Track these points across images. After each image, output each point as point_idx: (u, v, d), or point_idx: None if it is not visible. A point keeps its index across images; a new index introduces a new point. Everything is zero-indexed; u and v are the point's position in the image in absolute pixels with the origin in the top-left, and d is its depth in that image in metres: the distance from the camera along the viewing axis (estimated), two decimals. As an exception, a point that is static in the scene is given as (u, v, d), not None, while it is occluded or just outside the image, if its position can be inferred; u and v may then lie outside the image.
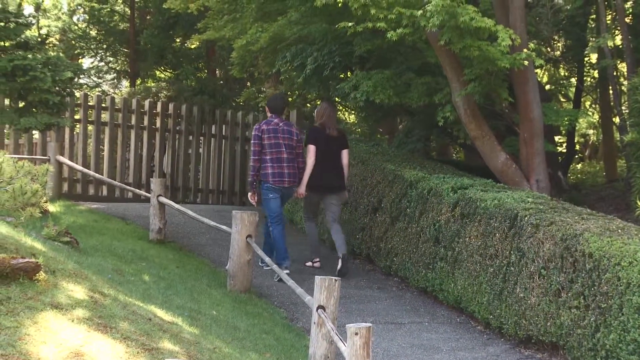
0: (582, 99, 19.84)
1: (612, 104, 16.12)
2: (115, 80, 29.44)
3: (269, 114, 12.54)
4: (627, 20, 14.53)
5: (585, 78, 18.54)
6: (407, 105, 15.09)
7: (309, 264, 12.81)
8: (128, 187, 15.72)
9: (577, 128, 19.62)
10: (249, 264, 10.74)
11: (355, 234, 13.09)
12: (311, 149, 12.52)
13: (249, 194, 12.43)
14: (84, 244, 10.80)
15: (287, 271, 11.54)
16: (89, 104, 17.95)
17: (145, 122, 18.31)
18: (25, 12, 21.82)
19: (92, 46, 27.60)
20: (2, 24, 12.81)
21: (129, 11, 25.59)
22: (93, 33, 27.66)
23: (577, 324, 8.28)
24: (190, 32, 22.13)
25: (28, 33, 13.47)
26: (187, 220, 14.30)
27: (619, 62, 15.42)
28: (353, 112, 24.62)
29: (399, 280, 12.04)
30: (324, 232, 14.00)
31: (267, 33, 15.05)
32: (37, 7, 29.05)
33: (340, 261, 12.28)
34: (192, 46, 24.81)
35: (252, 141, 12.45)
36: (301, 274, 11.60)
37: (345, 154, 12.73)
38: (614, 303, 7.81)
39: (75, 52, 27.34)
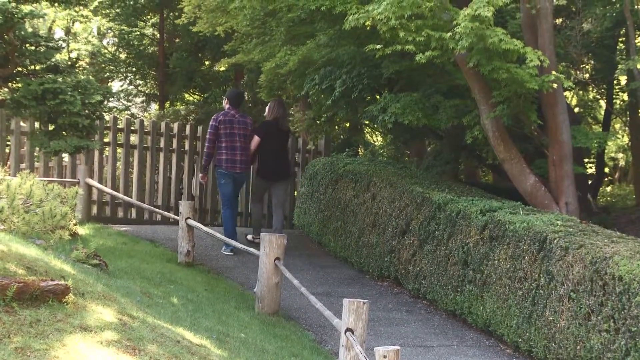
0: (611, 122, 19.76)
1: (642, 126, 16.06)
2: (145, 103, 29.59)
3: (226, 106, 14.44)
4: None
5: (614, 100, 18.46)
6: (435, 128, 15.09)
7: (249, 237, 14.72)
8: (157, 210, 15.77)
9: (606, 151, 19.53)
10: (277, 286, 10.74)
11: (383, 256, 13.07)
12: (255, 139, 14.39)
13: (200, 175, 14.93)
14: (112, 266, 10.83)
15: (231, 253, 13.87)
16: (118, 127, 18.04)
17: (174, 145, 18.38)
18: (56, 36, 22.00)
19: (121, 69, 27.77)
20: (33, 47, 12.89)
21: (158, 35, 25.73)
22: (122, 56, 27.83)
23: (608, 347, 8.22)
24: (218, 55, 22.23)
25: (58, 56, 13.54)
26: (216, 242, 14.32)
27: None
28: (381, 134, 24.62)
29: (427, 303, 12.00)
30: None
31: (295, 56, 15.09)
32: (68, 31, 29.26)
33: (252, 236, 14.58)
34: (221, 69, 24.90)
35: (208, 130, 14.35)
36: (329, 297, 11.59)
37: (288, 148, 15.33)
38: (644, 327, 7.76)
39: (105, 75, 27.50)
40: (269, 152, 14.49)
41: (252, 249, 11.45)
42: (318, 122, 17.94)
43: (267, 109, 14.97)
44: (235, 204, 14.66)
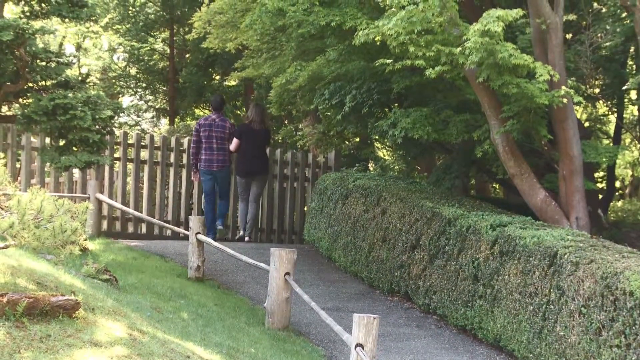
0: (622, 136, 19.72)
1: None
2: (155, 118, 29.63)
3: (211, 111, 16.65)
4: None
5: (625, 115, 18.43)
6: (445, 142, 15.07)
7: (243, 237, 16.65)
8: (167, 225, 15.79)
9: (616, 165, 19.47)
10: (287, 301, 10.74)
11: (393, 271, 13.06)
12: (235, 141, 16.26)
13: (192, 173, 16.82)
14: (123, 281, 10.84)
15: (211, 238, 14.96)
16: (129, 142, 18.07)
17: (184, 160, 18.40)
18: (66, 52, 22.07)
19: (131, 85, 27.83)
20: (44, 63, 12.94)
21: (169, 50, 25.79)
22: (133, 72, 27.89)
23: (619, 363, 8.20)
24: (228, 70, 22.25)
25: (69, 72, 13.58)
26: (226, 257, 14.32)
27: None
28: (390, 149, 24.61)
29: (437, 318, 11.99)
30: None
31: (305, 71, 15.10)
32: (78, 47, 29.35)
33: (243, 232, 16.72)
34: (231, 84, 24.94)
35: (193, 132, 16.57)
36: (339, 312, 11.58)
37: (265, 147, 16.89)
38: (655, 342, 7.74)
39: (115, 90, 27.56)
40: (244, 152, 16.40)
41: (262, 264, 11.45)
42: (328, 135, 17.98)
43: (247, 114, 17.26)
44: (215, 199, 16.64)
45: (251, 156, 16.49)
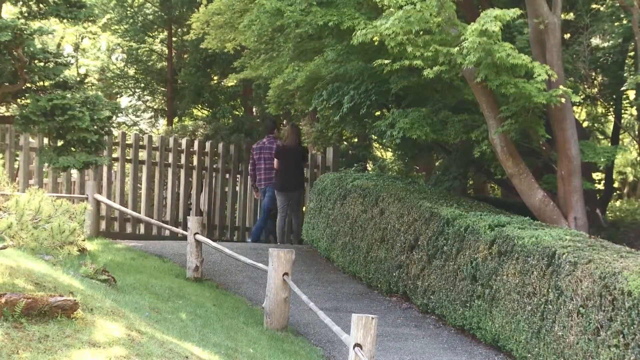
0: (620, 136, 19.72)
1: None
2: (153, 118, 29.59)
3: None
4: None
5: (623, 115, 18.42)
6: (443, 143, 15.08)
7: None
8: (165, 225, 15.79)
9: (615, 165, 19.47)
10: (285, 301, 10.74)
11: (392, 271, 13.05)
12: (275, 161, 17.62)
13: (254, 192, 18.53)
14: (121, 281, 10.84)
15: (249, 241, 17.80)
16: (127, 142, 18.08)
17: (183, 161, 18.41)
18: (65, 52, 22.04)
19: (130, 85, 27.78)
20: (42, 64, 12.93)
21: (167, 50, 25.76)
22: (131, 72, 27.84)
23: (617, 363, 8.20)
24: (227, 70, 22.24)
25: (67, 72, 13.57)
26: (224, 258, 14.31)
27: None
28: (389, 149, 24.60)
29: (436, 319, 11.98)
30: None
31: (303, 72, 15.10)
32: (76, 47, 29.33)
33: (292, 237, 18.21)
34: (229, 84, 24.92)
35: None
36: (338, 312, 11.58)
37: (302, 164, 18.03)
38: (654, 342, 7.74)
39: (114, 91, 27.53)
40: (280, 169, 17.49)
41: (260, 264, 11.45)
42: (326, 133, 18.02)
43: (282, 135, 18.15)
44: (268, 214, 18.05)
45: (285, 173, 17.54)
